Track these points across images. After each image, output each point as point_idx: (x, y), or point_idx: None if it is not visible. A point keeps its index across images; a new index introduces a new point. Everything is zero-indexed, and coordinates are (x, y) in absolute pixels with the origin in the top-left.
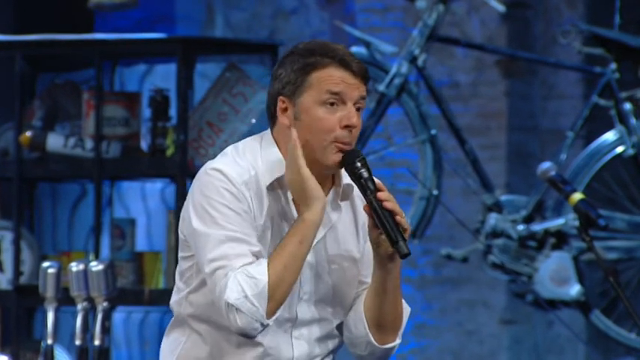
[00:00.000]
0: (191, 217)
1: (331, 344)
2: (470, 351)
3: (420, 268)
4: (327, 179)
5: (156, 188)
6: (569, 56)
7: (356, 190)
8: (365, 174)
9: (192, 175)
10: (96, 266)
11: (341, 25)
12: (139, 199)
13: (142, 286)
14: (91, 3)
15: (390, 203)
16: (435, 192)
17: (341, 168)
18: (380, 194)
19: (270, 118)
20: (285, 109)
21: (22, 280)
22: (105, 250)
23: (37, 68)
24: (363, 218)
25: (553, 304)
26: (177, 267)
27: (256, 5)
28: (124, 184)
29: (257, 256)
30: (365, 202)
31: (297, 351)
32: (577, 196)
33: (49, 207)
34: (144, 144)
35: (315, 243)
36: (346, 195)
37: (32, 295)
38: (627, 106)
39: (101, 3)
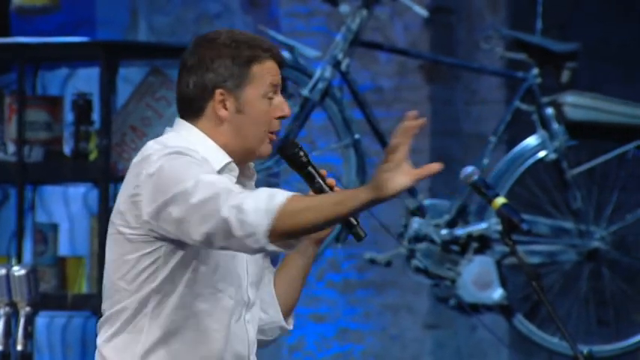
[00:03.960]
0: (159, 190)
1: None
2: (393, 355)
3: (343, 272)
4: (243, 165)
5: (79, 193)
6: (491, 61)
7: None
8: (312, 162)
9: (116, 180)
10: (18, 271)
11: (265, 30)
12: (62, 204)
13: (65, 290)
14: (12, 7)
15: (339, 188)
16: None
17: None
18: (331, 179)
19: (194, 110)
20: (223, 102)
21: None
22: (27, 254)
23: None
24: None
25: (476, 309)
26: (118, 272)
27: (180, 9)
28: (46, 189)
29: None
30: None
31: (250, 334)
32: (500, 201)
33: None
34: (67, 148)
35: None
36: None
37: None
38: (549, 110)
39: (23, 7)
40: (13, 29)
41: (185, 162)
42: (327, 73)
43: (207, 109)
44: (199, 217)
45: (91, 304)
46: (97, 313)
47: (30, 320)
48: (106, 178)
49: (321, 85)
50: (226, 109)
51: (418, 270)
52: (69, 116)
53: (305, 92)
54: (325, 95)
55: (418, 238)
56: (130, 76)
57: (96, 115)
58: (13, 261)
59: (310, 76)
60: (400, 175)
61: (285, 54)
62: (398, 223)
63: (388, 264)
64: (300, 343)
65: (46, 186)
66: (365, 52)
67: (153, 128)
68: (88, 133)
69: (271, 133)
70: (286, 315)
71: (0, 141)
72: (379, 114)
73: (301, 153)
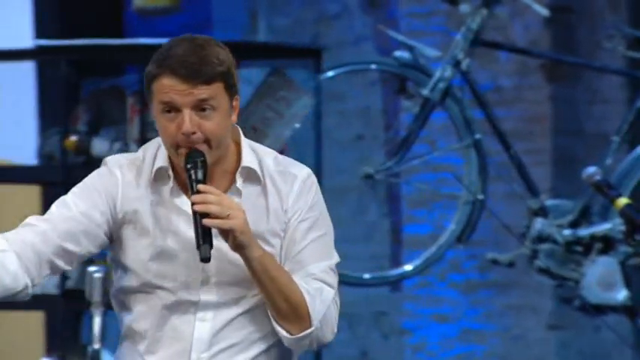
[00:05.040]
0: None
1: (254, 331)
2: (516, 356)
3: (465, 273)
4: (221, 171)
5: None
6: (613, 60)
7: (271, 175)
8: (193, 176)
9: None
10: None
11: (384, 30)
12: None
13: None
14: (134, 7)
15: (201, 206)
16: (480, 196)
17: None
18: (193, 197)
19: None
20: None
21: (69, 284)
22: None
23: (81, 73)
24: (275, 204)
25: (600, 309)
26: None
27: (299, 10)
28: None
29: (36, 224)
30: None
31: (197, 332)
32: (623, 201)
33: None
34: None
35: None
36: (248, 177)
37: (78, 299)
38: None
39: (144, 7)
40: (132, 30)
41: (89, 176)
42: (448, 73)
43: None
44: None
45: None
46: None
47: None
48: None
49: (441, 85)
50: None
51: (541, 270)
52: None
53: (425, 92)
54: (446, 95)
55: (541, 238)
56: (250, 76)
57: None
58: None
59: (430, 76)
60: None
61: (405, 54)
62: (520, 223)
63: (511, 264)
64: (423, 344)
65: None
66: (485, 52)
67: (274, 129)
68: None
69: (182, 148)
70: (284, 321)
71: (122, 142)
72: (500, 113)
73: (189, 165)
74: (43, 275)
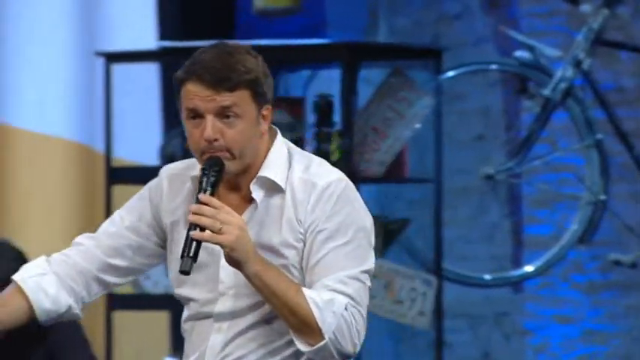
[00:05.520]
0: None
1: (265, 344)
2: (639, 357)
3: (587, 274)
4: (240, 181)
5: None
6: None
7: (293, 184)
8: (204, 184)
9: (357, 180)
10: None
11: (505, 30)
12: None
13: None
14: (255, 9)
15: (193, 217)
16: (602, 197)
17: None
18: (191, 206)
19: None
20: None
21: None
22: None
23: None
24: (290, 214)
25: None
26: None
27: (420, 11)
28: None
29: (82, 243)
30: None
31: (211, 342)
32: None
33: None
34: (309, 149)
35: None
36: (271, 188)
37: None
38: None
39: (266, 9)
40: (249, 31)
41: (144, 187)
42: (569, 73)
43: None
44: None
45: None
46: None
47: None
48: (349, 178)
49: (562, 85)
50: None
51: None
52: (310, 117)
53: (546, 92)
54: (567, 95)
55: None
56: (370, 77)
57: (337, 117)
58: None
59: (551, 76)
60: None
61: (526, 54)
62: None
63: (633, 265)
64: (545, 345)
65: None
66: (606, 52)
67: (394, 129)
68: (329, 135)
69: (205, 155)
70: (297, 334)
71: None
72: (621, 113)
73: (201, 173)
74: (94, 293)
